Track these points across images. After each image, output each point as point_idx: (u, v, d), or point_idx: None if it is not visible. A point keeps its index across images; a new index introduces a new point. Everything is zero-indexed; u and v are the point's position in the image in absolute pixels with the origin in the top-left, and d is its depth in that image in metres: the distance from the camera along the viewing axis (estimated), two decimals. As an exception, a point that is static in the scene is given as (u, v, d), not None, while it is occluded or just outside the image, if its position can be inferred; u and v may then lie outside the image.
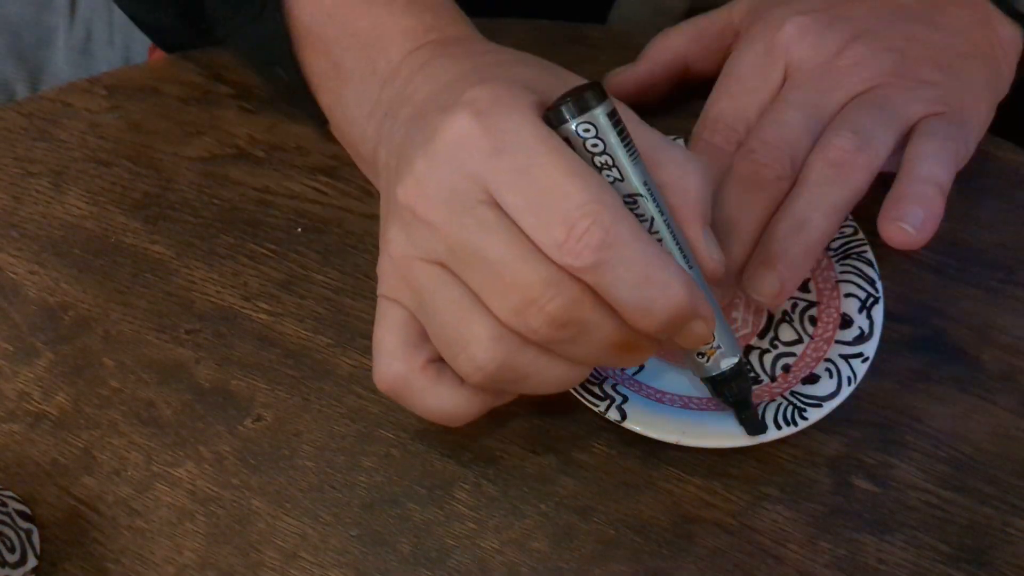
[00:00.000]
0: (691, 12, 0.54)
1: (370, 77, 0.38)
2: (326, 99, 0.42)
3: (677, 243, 0.32)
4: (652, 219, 0.32)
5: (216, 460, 0.39)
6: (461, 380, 0.34)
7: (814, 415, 0.36)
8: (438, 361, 0.34)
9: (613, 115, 0.31)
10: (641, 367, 0.39)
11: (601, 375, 0.38)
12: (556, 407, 0.39)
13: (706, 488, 0.38)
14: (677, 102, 0.46)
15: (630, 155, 0.31)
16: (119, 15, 0.81)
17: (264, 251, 0.44)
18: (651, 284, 0.29)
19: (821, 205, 0.36)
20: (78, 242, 0.45)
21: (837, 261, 0.40)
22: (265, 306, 0.43)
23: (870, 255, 0.40)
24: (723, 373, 0.35)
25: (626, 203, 0.31)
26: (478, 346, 0.31)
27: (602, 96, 0.31)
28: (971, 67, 0.41)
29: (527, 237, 0.30)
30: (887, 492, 0.37)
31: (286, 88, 0.44)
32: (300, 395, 0.40)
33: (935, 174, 0.37)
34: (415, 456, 0.39)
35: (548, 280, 0.30)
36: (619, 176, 0.31)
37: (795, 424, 0.36)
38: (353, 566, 0.37)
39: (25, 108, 0.50)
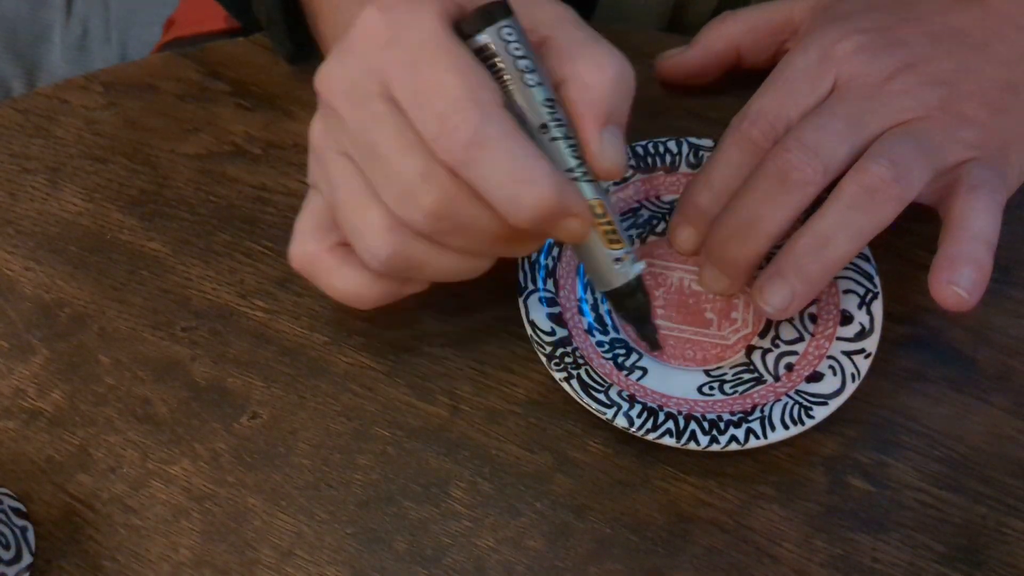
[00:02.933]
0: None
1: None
2: (324, 28, 0.44)
3: (577, 154, 0.33)
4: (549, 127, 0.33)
5: (212, 458, 0.39)
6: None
7: (820, 413, 0.37)
8: (347, 245, 0.36)
9: (518, 30, 0.32)
10: (645, 372, 0.39)
11: (606, 382, 0.38)
12: (553, 406, 0.39)
13: (702, 487, 0.38)
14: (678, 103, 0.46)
15: (538, 63, 0.33)
16: (115, 11, 0.81)
17: (261, 248, 0.44)
18: (518, 182, 0.31)
19: (848, 228, 0.36)
20: (74, 239, 0.45)
21: None
22: (261, 304, 0.43)
23: (867, 251, 0.40)
24: (630, 283, 0.35)
25: (546, 105, 0.33)
26: (372, 235, 0.34)
27: (508, 12, 0.32)
28: (1021, 102, 0.40)
29: (414, 131, 0.31)
30: (882, 491, 0.37)
31: (265, 13, 0.46)
32: (296, 393, 0.40)
33: (985, 232, 0.37)
34: (411, 454, 0.39)
35: (425, 173, 0.31)
36: (541, 80, 0.32)
37: (802, 423, 0.36)
38: (349, 564, 0.37)
39: (21, 105, 0.49)
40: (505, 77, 0.32)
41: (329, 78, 0.33)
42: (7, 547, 0.36)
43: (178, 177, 0.46)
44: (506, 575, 0.36)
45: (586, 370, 0.38)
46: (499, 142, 0.31)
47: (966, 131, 0.39)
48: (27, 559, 0.37)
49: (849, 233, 0.36)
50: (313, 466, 0.39)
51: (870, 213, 0.36)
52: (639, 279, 0.36)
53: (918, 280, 0.40)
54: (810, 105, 0.39)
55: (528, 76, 0.32)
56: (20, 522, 0.37)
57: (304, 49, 0.48)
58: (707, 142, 0.42)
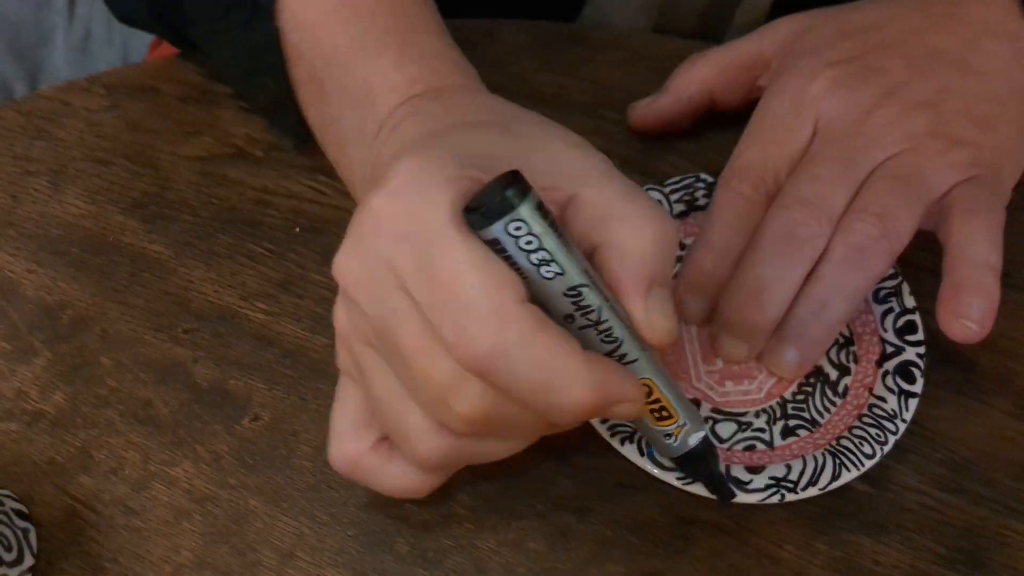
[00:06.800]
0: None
1: (360, 138, 0.38)
2: (332, 153, 0.41)
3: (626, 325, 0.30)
4: (599, 309, 0.29)
5: (213, 459, 0.39)
6: None
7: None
8: (388, 440, 0.34)
9: (540, 207, 0.28)
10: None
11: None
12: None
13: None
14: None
15: (563, 246, 0.29)
16: (118, 14, 0.81)
17: (262, 251, 0.44)
18: (550, 388, 0.28)
19: (842, 289, 0.37)
20: (76, 241, 0.45)
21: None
22: (263, 306, 0.43)
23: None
24: (693, 450, 0.33)
25: (568, 295, 0.29)
26: (417, 439, 0.31)
27: (525, 189, 0.28)
28: (1008, 112, 0.40)
29: (436, 331, 0.28)
30: (883, 494, 0.37)
31: (269, 99, 0.43)
32: (297, 395, 0.40)
33: (988, 257, 0.37)
34: (412, 456, 0.39)
35: (455, 378, 0.28)
36: (560, 270, 0.29)
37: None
38: (350, 566, 0.37)
39: (24, 107, 0.50)
40: (519, 268, 0.28)
41: (345, 269, 0.30)
42: (9, 549, 0.36)
43: (180, 179, 0.47)
44: (507, 577, 0.36)
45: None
46: (522, 349, 0.28)
47: (957, 153, 0.38)
48: (29, 561, 0.37)
49: (844, 294, 0.37)
50: (315, 468, 0.39)
51: (862, 271, 0.37)
52: (700, 446, 0.33)
53: (919, 282, 0.40)
54: (795, 152, 0.39)
55: (544, 269, 0.28)
56: (22, 524, 0.37)
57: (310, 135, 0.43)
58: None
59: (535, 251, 0.28)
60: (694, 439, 0.33)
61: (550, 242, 0.28)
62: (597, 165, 0.31)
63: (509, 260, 0.28)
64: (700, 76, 0.44)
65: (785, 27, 0.43)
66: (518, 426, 0.30)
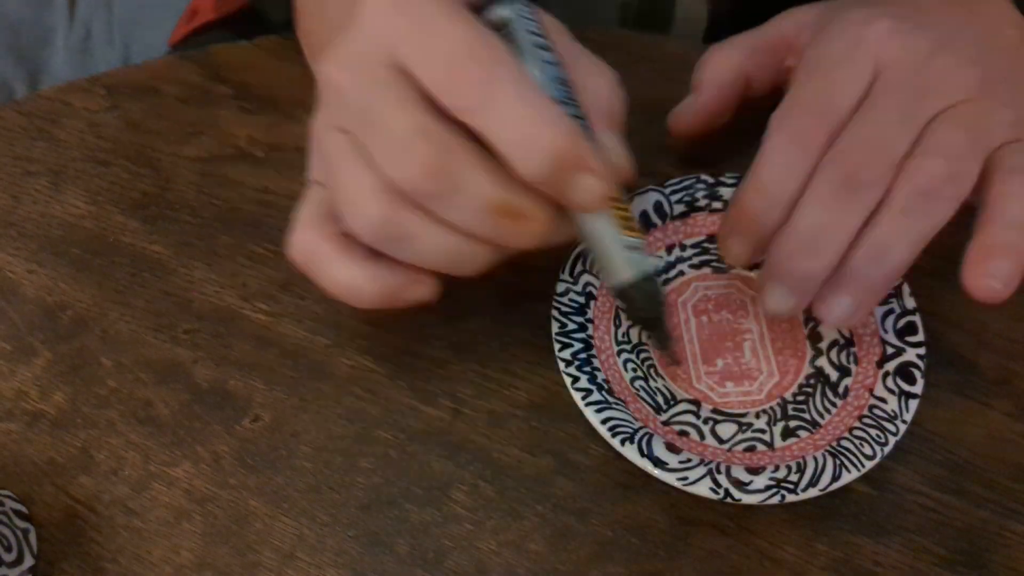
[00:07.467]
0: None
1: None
2: (306, 23, 0.44)
3: None
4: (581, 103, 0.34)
5: (213, 460, 0.39)
6: (367, 256, 0.35)
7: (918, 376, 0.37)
8: (348, 236, 0.35)
9: (537, 14, 0.33)
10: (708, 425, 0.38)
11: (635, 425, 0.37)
12: (554, 409, 0.39)
13: (703, 490, 0.38)
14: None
15: (553, 51, 0.33)
16: (118, 15, 0.81)
17: (263, 251, 0.44)
18: (531, 122, 0.31)
19: (907, 235, 0.35)
20: (76, 241, 0.45)
21: None
22: (263, 306, 0.43)
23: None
24: (646, 275, 0.34)
25: (561, 86, 0.33)
26: (364, 199, 0.33)
27: None
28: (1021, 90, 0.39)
29: (418, 92, 0.31)
30: (883, 495, 0.37)
31: None
32: (298, 395, 0.40)
33: (1022, 217, 0.35)
34: (412, 457, 0.39)
35: (421, 127, 0.31)
36: (555, 60, 0.33)
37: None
38: (350, 567, 0.37)
39: (24, 107, 0.50)
40: (522, 52, 0.33)
41: (336, 57, 0.33)
42: (9, 549, 0.36)
43: (180, 180, 0.47)
44: (507, 578, 0.36)
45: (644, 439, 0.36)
46: (512, 84, 0.31)
47: (1005, 113, 0.37)
48: (29, 561, 0.37)
49: (908, 239, 0.35)
50: (315, 469, 0.39)
51: (927, 217, 0.35)
52: (655, 273, 0.34)
53: (920, 284, 0.40)
54: (856, 92, 0.37)
55: (547, 54, 0.32)
56: (22, 524, 0.37)
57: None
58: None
59: (539, 35, 0.33)
60: (653, 260, 0.35)
61: (548, 38, 0.33)
62: (559, 23, 0.35)
63: (512, 44, 0.32)
64: (732, 61, 0.43)
65: (802, 12, 0.42)
66: (469, 194, 0.32)
